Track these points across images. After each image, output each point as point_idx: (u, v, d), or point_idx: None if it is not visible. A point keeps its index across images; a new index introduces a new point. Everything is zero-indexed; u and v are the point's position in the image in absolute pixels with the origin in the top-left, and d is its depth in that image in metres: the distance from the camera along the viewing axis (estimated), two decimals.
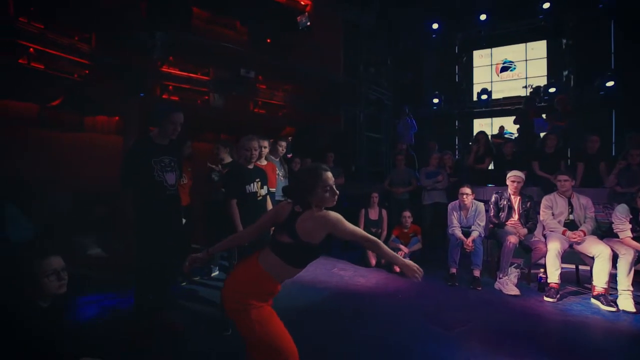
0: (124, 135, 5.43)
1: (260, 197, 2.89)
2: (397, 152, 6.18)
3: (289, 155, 8.15)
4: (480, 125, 10.01)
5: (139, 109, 5.33)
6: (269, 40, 7.76)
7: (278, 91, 6.68)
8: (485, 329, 2.77)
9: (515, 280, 3.74)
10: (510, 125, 8.20)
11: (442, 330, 2.72)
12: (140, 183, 2.47)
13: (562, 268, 3.48)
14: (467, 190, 4.05)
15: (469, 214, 4.08)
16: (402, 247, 4.45)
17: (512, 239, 3.69)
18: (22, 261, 1.59)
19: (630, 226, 3.34)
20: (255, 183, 2.81)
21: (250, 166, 2.83)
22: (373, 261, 4.57)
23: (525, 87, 9.62)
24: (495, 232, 4.06)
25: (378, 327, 2.78)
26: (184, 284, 3.70)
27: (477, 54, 10.22)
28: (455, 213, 4.11)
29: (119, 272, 3.43)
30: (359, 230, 1.67)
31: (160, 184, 2.50)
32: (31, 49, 3.93)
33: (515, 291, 3.55)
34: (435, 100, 9.21)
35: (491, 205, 4.20)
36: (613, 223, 3.45)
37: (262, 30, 7.47)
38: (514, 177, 4.05)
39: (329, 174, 1.69)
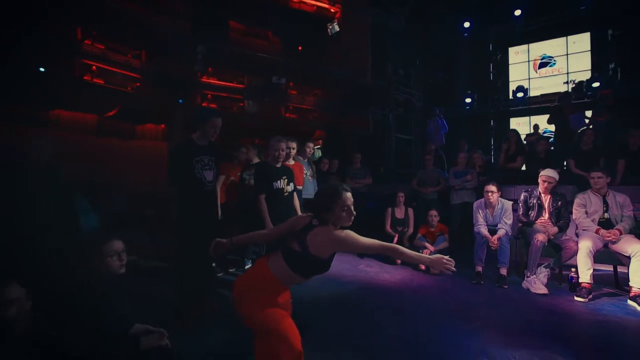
0: (169, 141, 6.00)
1: (287, 193, 3.14)
2: (426, 153, 6.20)
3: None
4: (517, 124, 9.65)
5: (182, 116, 5.87)
6: (300, 48, 8.13)
7: (308, 96, 6.98)
8: (506, 324, 2.79)
9: (545, 280, 3.66)
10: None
11: (462, 322, 2.79)
12: (183, 179, 2.80)
13: (598, 269, 3.37)
14: (493, 187, 4.04)
15: (495, 212, 4.06)
16: (427, 245, 4.50)
17: (540, 237, 3.64)
18: (90, 244, 1.95)
19: None
20: (282, 180, 3.07)
21: (278, 165, 3.10)
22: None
23: (567, 82, 9.16)
24: (524, 230, 4.01)
25: (398, 319, 2.90)
26: (220, 274, 4.05)
27: (512, 50, 9.90)
28: (480, 211, 4.11)
29: (164, 262, 3.84)
30: (374, 241, 1.70)
31: (200, 180, 2.82)
32: (93, 67, 4.55)
33: (543, 290, 3.49)
34: (468, 100, 9.04)
35: (520, 204, 4.14)
36: None
37: (294, 38, 7.85)
38: (545, 177, 3.97)
39: (349, 195, 1.76)
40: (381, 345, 2.45)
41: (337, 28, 8.44)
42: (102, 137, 6.71)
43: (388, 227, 4.91)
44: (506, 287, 3.70)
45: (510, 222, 3.99)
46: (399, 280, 4.02)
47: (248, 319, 1.72)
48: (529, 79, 9.71)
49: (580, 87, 8.32)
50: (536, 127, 7.98)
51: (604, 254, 3.55)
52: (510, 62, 9.92)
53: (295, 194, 3.35)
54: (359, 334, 2.63)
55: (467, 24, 8.99)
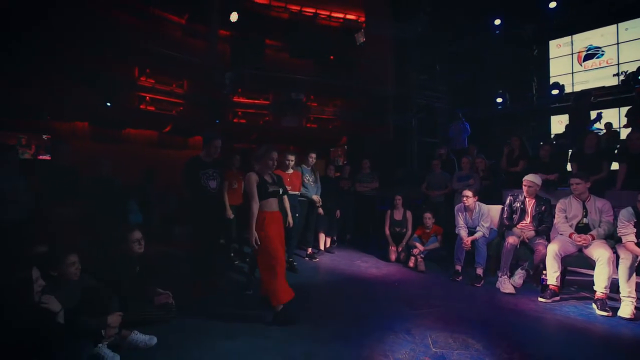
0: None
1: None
2: (435, 157, 6.47)
3: (345, 162, 9.04)
4: (559, 122, 9.13)
5: (219, 131, 7.00)
6: (332, 57, 8.84)
7: (328, 107, 7.67)
8: (449, 313, 3.18)
9: (520, 281, 3.90)
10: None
11: (408, 309, 3.26)
12: (193, 187, 3.72)
13: (585, 275, 3.47)
14: (468, 193, 4.33)
15: (473, 215, 4.35)
16: (417, 244, 4.90)
17: (511, 240, 3.88)
18: (121, 234, 2.95)
19: (634, 230, 3.24)
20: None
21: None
22: (392, 257, 5.13)
23: (618, 74, 8.45)
24: (505, 233, 4.22)
25: (357, 303, 3.47)
26: (237, 262, 4.97)
27: (553, 43, 9.36)
28: (460, 214, 4.42)
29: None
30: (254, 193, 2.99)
31: (205, 188, 3.71)
32: (147, 97, 5.85)
33: (510, 289, 3.75)
34: (499, 100, 8.84)
35: (505, 207, 4.35)
36: (617, 227, 3.37)
37: (323, 53, 8.58)
38: (527, 181, 4.15)
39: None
40: (328, 317, 3.06)
41: (362, 38, 9.00)
42: (162, 149, 8.25)
43: (387, 229, 5.39)
44: (479, 285, 4.01)
45: (487, 225, 4.25)
46: (384, 274, 4.53)
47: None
48: (573, 72, 9.09)
49: (628, 81, 7.67)
50: (608, 125, 7.32)
51: (583, 259, 3.66)
52: (550, 56, 9.38)
53: (285, 197, 4.12)
54: (317, 308, 3.28)
55: (497, 22, 8.80)
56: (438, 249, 4.98)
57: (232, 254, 5.01)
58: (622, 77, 8.08)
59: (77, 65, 5.42)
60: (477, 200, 5.35)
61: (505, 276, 3.89)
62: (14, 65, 4.93)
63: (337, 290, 3.96)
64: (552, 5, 8.10)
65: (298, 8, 7.63)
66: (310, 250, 5.29)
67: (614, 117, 8.28)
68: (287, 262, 4.62)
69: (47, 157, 5.97)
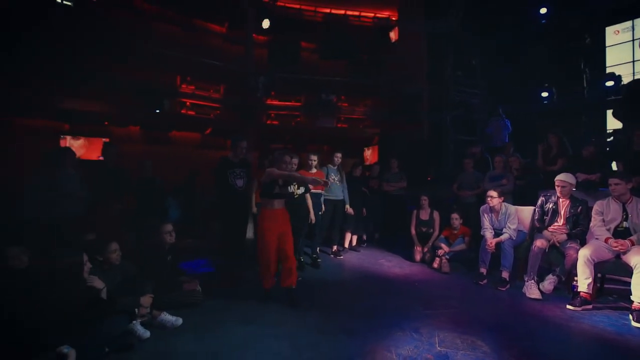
0: (248, 152, 7.61)
1: (297, 196, 4.12)
2: (467, 155, 6.26)
3: (375, 161, 9.01)
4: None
5: (253, 133, 7.39)
6: (364, 57, 8.88)
7: (358, 106, 7.72)
8: (462, 315, 3.14)
9: (551, 287, 3.72)
10: None
11: (422, 309, 3.27)
12: (221, 185, 4.07)
13: (624, 282, 3.25)
14: (492, 193, 4.18)
15: (499, 216, 4.19)
16: (443, 245, 4.82)
17: (539, 243, 3.70)
18: (154, 227, 3.33)
19: None
20: (292, 185, 4.06)
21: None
22: (417, 257, 5.10)
23: None
24: (534, 235, 4.03)
25: (372, 299, 3.53)
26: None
27: (610, 30, 8.49)
28: (486, 215, 4.28)
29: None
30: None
31: (232, 186, 4.05)
32: (188, 103, 6.39)
33: (536, 295, 3.59)
34: (545, 94, 8.25)
35: (536, 208, 4.15)
36: None
37: (357, 54, 8.65)
38: (559, 181, 3.93)
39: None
40: (341, 312, 3.18)
41: (395, 37, 8.91)
42: (205, 149, 8.88)
43: (413, 229, 5.35)
44: (503, 289, 3.87)
45: (514, 226, 4.08)
46: (406, 274, 4.53)
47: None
48: (633, 61, 8.18)
49: None
50: None
51: (623, 266, 3.40)
52: (607, 44, 8.52)
53: (307, 195, 4.32)
54: (334, 304, 3.41)
55: (543, 10, 8.21)
56: (465, 251, 4.86)
57: None
58: None
59: (129, 77, 6.08)
60: (506, 201, 5.15)
61: (532, 281, 3.72)
62: (80, 80, 5.64)
63: (355, 286, 4.06)
64: None
65: (328, 10, 7.79)
66: (335, 247, 5.43)
67: None
68: (310, 258, 4.84)
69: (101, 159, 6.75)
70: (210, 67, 6.35)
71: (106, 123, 6.71)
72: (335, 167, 5.37)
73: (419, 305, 3.38)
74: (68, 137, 7.08)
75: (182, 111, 6.49)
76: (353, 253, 5.59)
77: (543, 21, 8.33)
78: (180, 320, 2.74)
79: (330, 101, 7.11)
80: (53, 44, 5.28)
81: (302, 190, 4.18)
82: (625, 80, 7.67)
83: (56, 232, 3.22)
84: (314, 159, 4.85)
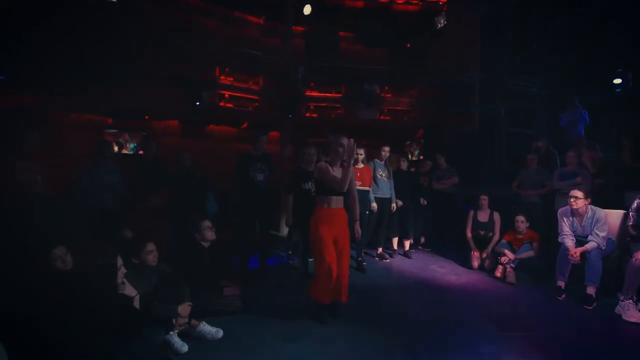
0: (280, 146, 7.34)
1: (315, 193, 3.74)
2: (531, 150, 5.55)
3: (421, 157, 8.46)
4: None
5: (291, 127, 7.09)
6: (408, 45, 8.32)
7: (403, 97, 7.16)
8: (552, 341, 2.61)
9: None
10: None
11: (497, 330, 2.78)
12: (243, 178, 3.91)
13: None
14: (577, 193, 3.52)
15: (584, 221, 3.53)
16: (507, 252, 4.23)
17: None
18: (193, 223, 3.08)
19: None
20: (310, 182, 3.71)
21: (310, 168, 3.72)
22: (475, 263, 4.54)
23: None
24: (628, 245, 3.36)
25: (432, 315, 3.07)
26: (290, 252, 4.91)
27: None
28: (566, 219, 3.64)
29: None
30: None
31: (253, 180, 3.89)
32: (226, 95, 6.20)
33: (636, 318, 2.95)
34: (617, 81, 7.19)
35: (631, 213, 3.47)
36: None
37: (400, 40, 8.09)
38: None
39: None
40: (399, 329, 2.76)
41: (444, 21, 8.22)
42: (240, 143, 8.74)
43: (469, 232, 4.79)
44: (590, 307, 3.26)
45: (603, 234, 3.41)
46: (463, 283, 4.02)
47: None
48: None
49: None
50: None
51: None
52: None
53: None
54: (388, 316, 2.99)
55: None
56: (532, 259, 4.24)
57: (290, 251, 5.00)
58: None
59: (168, 70, 5.98)
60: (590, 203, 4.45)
61: (630, 301, 3.07)
62: (121, 75, 5.61)
63: (408, 295, 3.65)
64: None
65: None
66: (380, 249, 5.00)
67: None
68: (355, 261, 4.44)
69: (141, 152, 6.76)
70: (248, 58, 6.10)
71: (146, 117, 6.71)
72: (383, 162, 4.93)
73: (490, 324, 2.88)
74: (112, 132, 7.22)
75: (221, 104, 6.33)
76: (400, 257, 5.10)
77: None
78: (220, 332, 2.46)
79: (373, 92, 6.65)
80: (98, 39, 5.28)
81: None
82: None
83: (96, 227, 3.08)
84: (361, 152, 4.45)
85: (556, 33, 7.55)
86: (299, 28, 7.50)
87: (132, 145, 7.57)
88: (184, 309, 2.38)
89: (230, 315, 2.79)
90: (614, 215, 3.78)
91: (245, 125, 7.68)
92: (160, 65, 5.87)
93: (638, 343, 2.65)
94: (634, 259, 3.09)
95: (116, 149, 6.93)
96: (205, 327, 2.43)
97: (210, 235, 3.02)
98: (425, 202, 5.34)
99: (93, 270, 1.97)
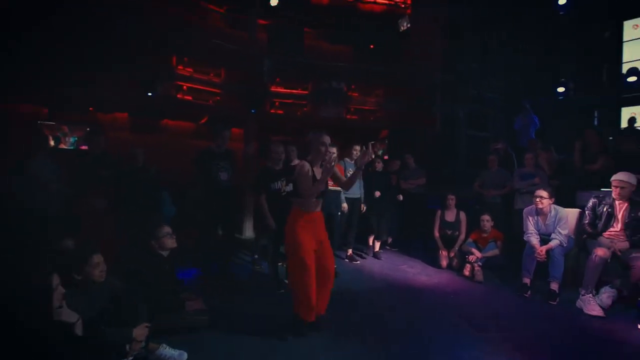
0: (244, 143, 6.95)
1: (285, 193, 3.55)
2: (491, 152, 5.78)
3: (385, 157, 8.51)
4: (632, 113, 7.95)
5: (255, 123, 6.73)
6: (372, 46, 8.32)
7: (370, 97, 7.16)
8: (527, 339, 2.64)
9: (609, 302, 3.25)
10: None
11: (474, 331, 2.76)
12: (204, 178, 3.59)
13: None
14: (542, 193, 3.67)
15: (547, 220, 3.69)
16: (474, 250, 4.32)
17: (600, 252, 3.21)
18: (153, 229, 2.69)
19: None
20: (280, 182, 3.50)
21: (278, 167, 3.49)
22: (444, 263, 4.59)
23: None
24: (585, 242, 3.56)
25: (409, 318, 2.99)
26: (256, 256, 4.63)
27: (629, 24, 8.14)
28: (531, 218, 3.78)
29: None
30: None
31: (216, 179, 3.57)
32: (185, 87, 5.70)
33: (597, 311, 3.10)
34: (561, 89, 7.84)
35: (587, 212, 3.68)
36: None
37: (364, 41, 8.07)
38: (616, 181, 3.45)
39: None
40: (381, 337, 2.63)
41: (407, 24, 8.36)
42: (199, 140, 8.17)
43: (436, 231, 4.83)
44: (554, 303, 3.39)
45: (565, 232, 3.58)
46: (435, 283, 4.01)
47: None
48: None
49: None
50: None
51: None
52: (624, 38, 8.17)
53: None
54: (367, 324, 2.85)
55: (562, 1, 7.77)
56: (497, 257, 4.36)
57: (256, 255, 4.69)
58: None
59: (116, 55, 5.34)
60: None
61: (590, 295, 3.24)
62: (55, 57, 4.90)
63: (383, 299, 3.53)
64: None
65: None
66: (350, 251, 4.87)
67: None
68: None
69: (85, 147, 6.01)
70: (210, 47, 5.66)
71: (91, 109, 5.95)
72: (353, 162, 4.80)
73: (468, 326, 2.85)
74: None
75: (178, 96, 5.80)
76: (370, 259, 5.01)
77: (562, 13, 7.89)
78: (185, 355, 2.13)
79: (340, 90, 6.53)
80: (35, 17, 4.55)
81: (290, 187, 3.58)
82: None
83: (29, 236, 2.55)
84: (334, 151, 4.26)
85: (511, 41, 8.04)
86: (263, 21, 7.18)
87: (72, 140, 6.70)
88: (140, 331, 2.02)
89: (194, 333, 2.45)
90: (571, 214, 4.00)
91: (204, 120, 7.17)
92: (108, 50, 5.22)
93: (600, 335, 2.77)
94: (593, 256, 3.25)
95: (52, 143, 6.07)
96: (166, 351, 2.09)
97: (170, 242, 2.65)
98: (402, 198, 5.30)
99: (21, 293, 1.55)
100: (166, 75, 5.49)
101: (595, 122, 8.15)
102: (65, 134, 6.73)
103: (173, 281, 2.67)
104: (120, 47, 5.30)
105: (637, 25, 8.11)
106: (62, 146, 6.22)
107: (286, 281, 3.70)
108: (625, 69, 7.65)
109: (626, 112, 8.08)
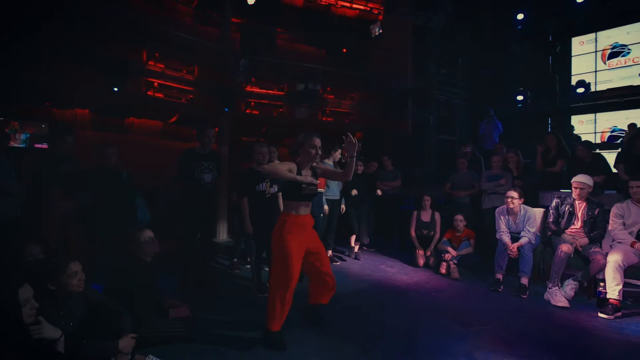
0: (219, 144, 6.72)
1: (269, 195, 3.52)
2: (460, 155, 6.08)
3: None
4: (580, 122, 8.79)
5: (229, 122, 6.54)
6: (344, 50, 8.41)
7: (345, 100, 7.25)
8: (505, 331, 2.79)
9: (572, 293, 3.52)
10: (621, 121, 7.03)
11: (459, 327, 2.87)
12: (187, 180, 3.44)
13: (636, 286, 3.17)
14: (513, 193, 3.93)
15: (517, 219, 3.95)
16: (450, 249, 4.51)
17: (565, 248, 3.49)
18: (132, 234, 2.52)
19: None
20: (264, 183, 3.46)
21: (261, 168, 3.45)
22: (421, 261, 4.74)
23: None
24: (551, 239, 3.85)
25: (398, 316, 3.08)
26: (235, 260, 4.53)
27: (576, 40, 8.99)
28: (502, 217, 4.02)
29: None
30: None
31: (199, 181, 3.42)
32: (155, 84, 5.40)
33: (563, 302, 3.36)
34: (520, 98, 8.45)
35: (551, 211, 3.97)
36: None
37: (336, 44, 8.14)
38: (576, 183, 3.77)
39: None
40: (370, 336, 2.66)
41: (379, 30, 8.56)
42: (167, 140, 7.78)
43: (413, 231, 4.98)
44: (525, 296, 3.62)
45: (534, 230, 3.86)
46: (415, 282, 4.13)
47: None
48: (596, 71, 8.73)
49: None
50: (631, 127, 6.90)
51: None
52: (573, 53, 9.01)
53: (280, 194, 3.66)
54: (358, 325, 2.87)
55: (520, 16, 8.40)
56: (470, 255, 4.59)
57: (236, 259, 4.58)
58: None
59: (79, 43, 4.93)
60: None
61: (556, 287, 3.51)
62: (10, 45, 4.45)
63: (368, 299, 3.56)
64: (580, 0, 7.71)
65: None
66: (330, 252, 4.88)
67: (639, 118, 7.96)
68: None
69: (43, 146, 5.50)
70: (183, 43, 5.42)
71: (47, 103, 5.43)
72: (333, 164, 4.83)
73: (453, 322, 2.96)
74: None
75: (149, 93, 5.48)
76: (353, 260, 5.05)
77: (519, 27, 8.52)
78: None
79: (316, 92, 6.54)
80: None
81: (275, 188, 3.55)
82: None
83: None
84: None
85: (474, 51, 8.53)
86: (235, 19, 7.02)
87: (23, 137, 6.08)
88: (127, 342, 1.88)
89: (181, 341, 2.32)
90: (536, 213, 4.30)
91: (174, 119, 6.85)
92: (69, 37, 4.80)
93: (567, 324, 3.00)
94: (559, 252, 3.52)
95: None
96: None
97: (153, 248, 2.50)
98: (380, 193, 5.38)
99: None
100: (135, 71, 5.17)
101: (549, 129, 8.87)
102: (16, 130, 6.10)
103: (156, 288, 2.51)
104: (83, 33, 4.90)
105: (582, 42, 8.96)
106: (13, 144, 5.63)
107: (268, 285, 3.68)
108: (574, 80, 8.42)
109: (575, 120, 8.90)
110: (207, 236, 3.75)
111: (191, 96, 5.94)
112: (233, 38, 6.57)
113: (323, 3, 8.52)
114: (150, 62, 5.33)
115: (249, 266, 4.46)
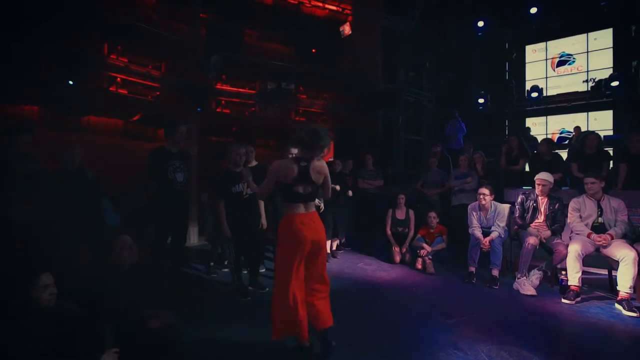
0: (187, 144, 6.43)
1: (247, 195, 3.43)
2: (431, 154, 6.32)
3: (331, 159, 8.66)
4: (534, 124, 9.50)
5: (199, 121, 6.28)
6: (314, 50, 8.39)
7: (318, 100, 7.25)
8: (484, 321, 2.95)
9: (537, 282, 3.78)
10: (568, 123, 7.66)
11: (441, 318, 2.98)
12: (158, 180, 3.23)
13: (595, 273, 3.46)
14: (485, 191, 4.16)
15: (488, 214, 4.18)
16: (425, 245, 4.67)
17: (531, 240, 3.75)
18: (109, 241, 2.33)
19: None
20: (241, 184, 3.37)
21: (238, 169, 3.35)
22: (397, 258, 4.86)
23: (587, 81, 8.92)
24: (518, 233, 4.11)
25: (383, 312, 3.13)
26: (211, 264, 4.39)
27: (529, 48, 9.71)
28: (475, 213, 4.24)
29: None
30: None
31: (171, 181, 3.25)
32: (118, 79, 5.04)
33: (531, 291, 3.61)
34: (481, 100, 8.98)
35: (517, 206, 4.24)
36: None
37: (306, 44, 8.12)
38: (540, 180, 4.05)
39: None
40: (359, 330, 2.70)
41: (348, 31, 8.66)
42: (128, 140, 7.30)
43: (388, 229, 5.09)
44: (496, 287, 3.84)
45: (503, 224, 4.10)
46: (394, 278, 4.23)
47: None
48: (547, 77, 9.50)
49: (599, 86, 8.10)
50: (577, 129, 7.56)
51: (599, 258, 3.61)
52: (527, 60, 9.73)
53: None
54: (345, 322, 2.87)
55: (481, 23, 8.91)
56: (443, 250, 4.79)
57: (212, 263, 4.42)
58: (591, 84, 8.54)
59: (29, 36, 4.48)
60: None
61: (524, 277, 3.75)
62: None
63: (352, 297, 3.57)
64: (533, 10, 8.33)
65: None
66: None
67: (583, 121, 8.78)
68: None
69: None
70: (146, 36, 5.09)
71: None
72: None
73: (436, 314, 3.07)
74: None
75: (111, 88, 5.09)
76: (332, 259, 5.05)
77: (480, 34, 9.03)
78: None
79: (289, 91, 6.47)
80: None
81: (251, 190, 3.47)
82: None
83: None
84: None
85: (440, 55, 8.92)
86: (204, 15, 6.76)
87: None
88: (109, 357, 1.73)
89: (168, 351, 2.18)
90: (505, 209, 4.58)
91: (137, 117, 6.44)
92: (14, 27, 4.33)
93: (535, 310, 3.23)
94: (526, 244, 3.77)
95: None
96: None
97: (130, 255, 2.32)
98: (351, 194, 5.42)
99: None
100: (94, 64, 4.77)
101: (507, 131, 9.50)
102: None
103: (134, 298, 2.33)
104: (32, 21, 4.45)
105: (535, 50, 9.69)
106: None
107: (250, 288, 3.57)
108: (529, 85, 9.09)
109: (529, 122, 9.60)
110: (180, 240, 3.54)
111: (157, 93, 5.62)
112: (200, 34, 6.33)
113: (293, 2, 8.46)
114: (112, 56, 4.96)
115: (226, 270, 4.33)
